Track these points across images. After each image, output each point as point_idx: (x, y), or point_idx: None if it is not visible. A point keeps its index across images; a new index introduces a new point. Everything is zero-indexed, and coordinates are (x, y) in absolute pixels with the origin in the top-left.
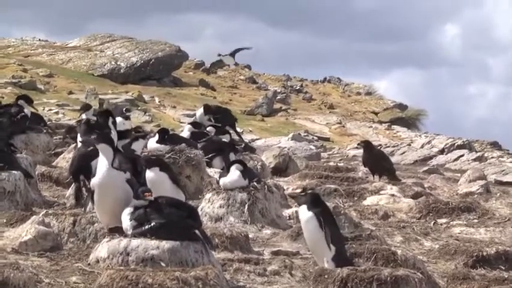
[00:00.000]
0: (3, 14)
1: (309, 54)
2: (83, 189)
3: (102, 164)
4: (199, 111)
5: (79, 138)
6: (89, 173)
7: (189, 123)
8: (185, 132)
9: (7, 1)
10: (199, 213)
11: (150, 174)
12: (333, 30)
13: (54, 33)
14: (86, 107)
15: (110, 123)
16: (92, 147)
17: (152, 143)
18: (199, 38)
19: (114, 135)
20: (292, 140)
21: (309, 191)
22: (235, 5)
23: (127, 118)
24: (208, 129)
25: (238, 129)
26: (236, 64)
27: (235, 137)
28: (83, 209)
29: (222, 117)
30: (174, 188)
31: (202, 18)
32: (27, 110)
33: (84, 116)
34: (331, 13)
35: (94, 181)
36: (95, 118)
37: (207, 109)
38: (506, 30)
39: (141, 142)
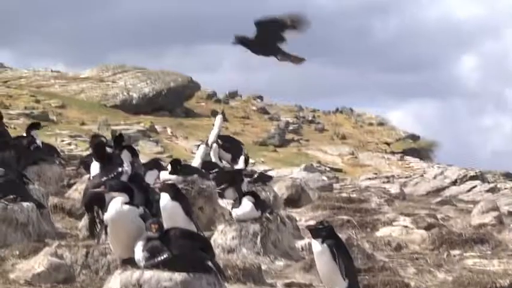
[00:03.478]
0: (18, 44)
1: (323, 85)
2: (96, 220)
3: (115, 200)
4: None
5: (91, 169)
6: (102, 204)
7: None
8: (196, 160)
9: (24, 32)
10: (212, 244)
11: (163, 202)
12: (349, 60)
13: (73, 64)
14: (94, 141)
15: (124, 154)
16: (105, 179)
17: (165, 174)
18: (217, 68)
19: (126, 165)
20: (304, 170)
21: (322, 223)
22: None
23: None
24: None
25: (249, 161)
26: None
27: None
28: (95, 241)
29: (232, 147)
30: (187, 217)
31: (221, 49)
32: (40, 141)
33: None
34: (348, 43)
35: (107, 216)
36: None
37: (218, 136)
38: None
39: (154, 173)
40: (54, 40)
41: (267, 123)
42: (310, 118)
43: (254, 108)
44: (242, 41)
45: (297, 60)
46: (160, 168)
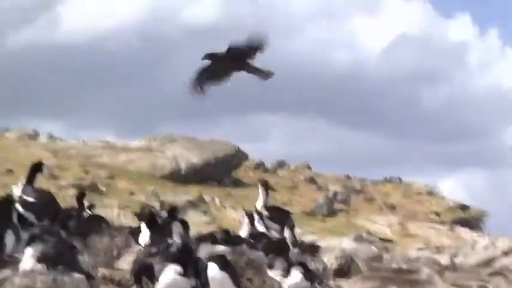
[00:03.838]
0: (69, 116)
1: (372, 154)
2: None
3: (167, 270)
4: (260, 203)
5: (141, 240)
6: (152, 275)
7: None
8: (244, 231)
9: (75, 104)
10: None
11: (212, 272)
12: (398, 129)
13: (124, 135)
14: (142, 214)
15: (172, 226)
16: (155, 250)
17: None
18: (265, 138)
19: (177, 236)
20: (353, 241)
21: None
22: (302, 104)
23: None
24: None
25: (298, 231)
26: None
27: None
28: None
29: (280, 217)
30: None
31: (269, 119)
32: (89, 212)
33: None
34: (397, 112)
35: (159, 287)
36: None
37: (267, 207)
38: None
39: (208, 246)
40: (104, 111)
41: (315, 193)
42: (358, 188)
43: (302, 177)
44: (212, 57)
45: (266, 74)
46: (216, 242)
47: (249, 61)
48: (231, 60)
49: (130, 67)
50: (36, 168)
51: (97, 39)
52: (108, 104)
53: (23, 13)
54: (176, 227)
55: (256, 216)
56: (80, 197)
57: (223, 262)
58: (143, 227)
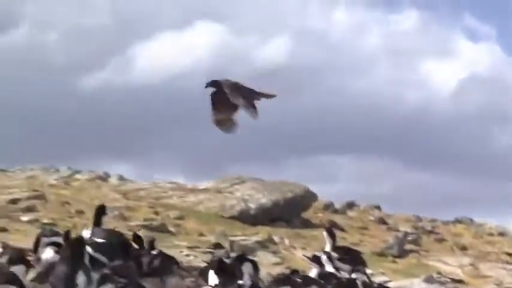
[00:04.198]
0: (139, 158)
1: (442, 194)
2: None
3: None
4: (328, 247)
5: (210, 281)
6: None
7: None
8: (314, 271)
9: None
10: None
11: None
12: (468, 168)
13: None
14: (217, 246)
15: (243, 268)
16: None
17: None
18: (335, 179)
19: (247, 278)
20: (424, 282)
21: None
22: (371, 144)
23: None
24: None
25: (368, 271)
26: None
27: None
28: None
29: (351, 258)
30: None
31: (338, 160)
32: (158, 251)
33: (218, 255)
34: (468, 151)
35: None
36: (227, 260)
37: (336, 247)
38: None
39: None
40: (175, 152)
41: (385, 233)
42: (429, 228)
43: (372, 218)
44: (214, 84)
45: (268, 96)
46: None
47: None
48: (232, 89)
49: (202, 108)
50: (101, 211)
51: (169, 80)
52: (178, 145)
53: (96, 56)
54: (246, 268)
55: (324, 257)
56: (138, 238)
57: None
58: (213, 268)
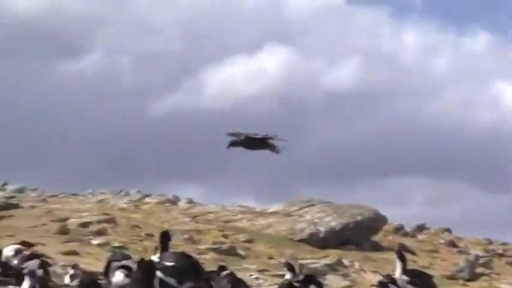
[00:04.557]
0: (208, 181)
1: None
2: None
3: None
4: (398, 270)
5: None
6: None
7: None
8: None
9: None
10: None
11: None
12: None
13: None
14: (289, 265)
15: None
16: None
17: None
18: (405, 202)
19: None
20: None
21: None
22: (443, 167)
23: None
24: None
25: None
26: None
27: None
28: None
29: (421, 281)
30: None
31: (409, 183)
32: (228, 273)
33: (288, 277)
34: None
35: None
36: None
37: (406, 270)
38: None
39: None
40: (244, 177)
41: (455, 256)
42: (500, 251)
43: (442, 241)
44: (234, 143)
45: (279, 150)
46: None
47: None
48: (249, 143)
49: (270, 131)
50: (165, 236)
51: (239, 104)
52: (248, 168)
53: (167, 80)
54: None
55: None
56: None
57: None
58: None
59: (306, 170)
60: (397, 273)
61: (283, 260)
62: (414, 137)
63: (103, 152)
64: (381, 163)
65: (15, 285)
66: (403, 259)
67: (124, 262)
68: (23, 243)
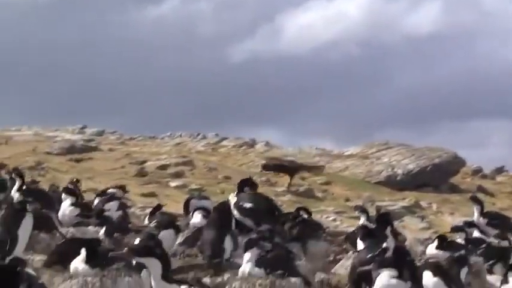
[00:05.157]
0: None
1: None
2: None
3: (383, 275)
4: (477, 212)
5: (358, 245)
6: (370, 282)
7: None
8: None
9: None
10: None
11: (426, 279)
12: None
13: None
14: (362, 208)
15: (387, 230)
16: (371, 255)
17: (431, 249)
18: (484, 144)
19: (390, 240)
20: None
21: None
22: None
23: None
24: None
25: None
26: None
27: None
28: None
29: (500, 223)
30: None
31: (489, 125)
32: (305, 216)
33: (362, 220)
34: None
35: None
36: (372, 225)
37: (485, 213)
38: None
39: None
40: (323, 119)
41: None
42: None
43: None
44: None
45: None
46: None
47: None
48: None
49: (349, 75)
50: (245, 183)
51: (317, 50)
52: (327, 112)
53: (246, 25)
54: (389, 232)
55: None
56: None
57: (437, 269)
58: (358, 235)
59: (384, 114)
60: (475, 216)
61: (355, 204)
62: (494, 80)
63: (181, 96)
64: (460, 106)
65: (95, 225)
66: (479, 203)
67: (202, 202)
68: (119, 187)
